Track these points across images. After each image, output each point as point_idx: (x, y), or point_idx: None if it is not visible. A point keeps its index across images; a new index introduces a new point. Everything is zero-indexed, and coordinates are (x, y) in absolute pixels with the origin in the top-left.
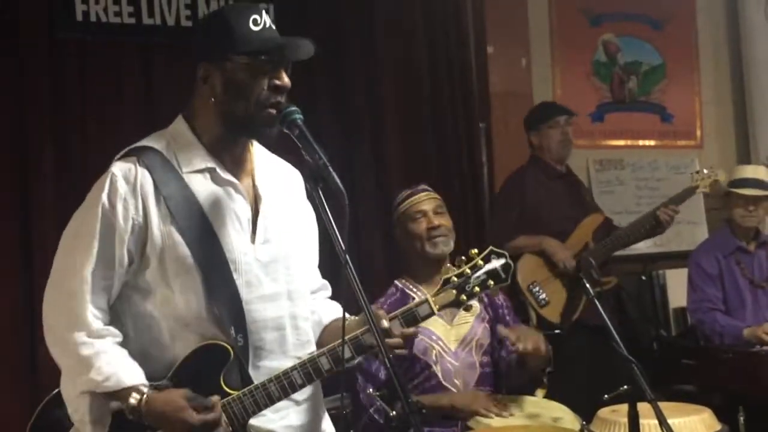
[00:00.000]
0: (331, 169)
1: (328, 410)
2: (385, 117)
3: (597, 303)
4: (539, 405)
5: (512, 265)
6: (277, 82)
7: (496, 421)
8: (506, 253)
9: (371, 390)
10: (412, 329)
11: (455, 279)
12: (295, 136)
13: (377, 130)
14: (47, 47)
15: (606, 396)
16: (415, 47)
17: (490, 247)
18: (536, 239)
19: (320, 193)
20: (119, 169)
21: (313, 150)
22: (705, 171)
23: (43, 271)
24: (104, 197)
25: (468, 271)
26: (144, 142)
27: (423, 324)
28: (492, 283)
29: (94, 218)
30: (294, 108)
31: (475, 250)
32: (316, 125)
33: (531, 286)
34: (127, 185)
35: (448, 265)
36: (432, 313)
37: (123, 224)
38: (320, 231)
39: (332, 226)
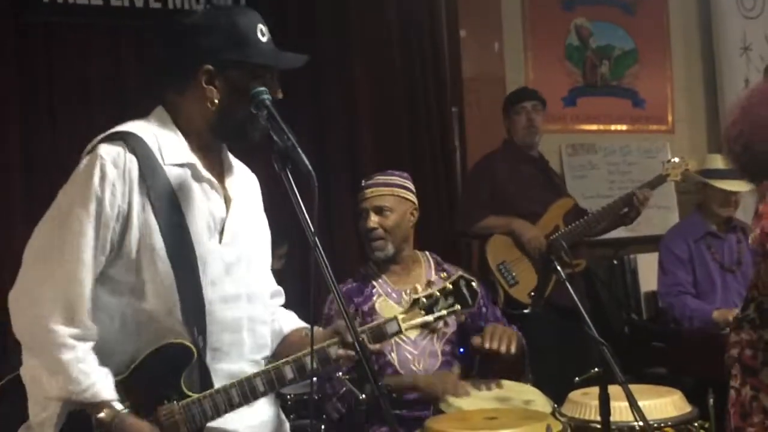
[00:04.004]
0: (300, 150)
1: (299, 395)
2: (357, 102)
3: (568, 285)
4: (510, 388)
5: (479, 292)
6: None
7: (466, 404)
8: (474, 279)
9: (340, 374)
10: (377, 346)
11: (424, 300)
12: (263, 117)
13: (350, 114)
14: (13, 30)
15: (577, 379)
16: (388, 32)
17: (460, 272)
18: (505, 220)
19: (289, 174)
20: (107, 152)
21: (281, 131)
22: (676, 160)
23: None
24: (95, 182)
25: (437, 293)
26: (128, 128)
27: (381, 312)
28: (459, 307)
29: (88, 202)
30: (262, 89)
31: (444, 274)
32: (289, 111)
33: (500, 266)
34: (116, 170)
35: (417, 285)
36: (400, 331)
37: (110, 211)
38: (289, 215)
39: (301, 208)
